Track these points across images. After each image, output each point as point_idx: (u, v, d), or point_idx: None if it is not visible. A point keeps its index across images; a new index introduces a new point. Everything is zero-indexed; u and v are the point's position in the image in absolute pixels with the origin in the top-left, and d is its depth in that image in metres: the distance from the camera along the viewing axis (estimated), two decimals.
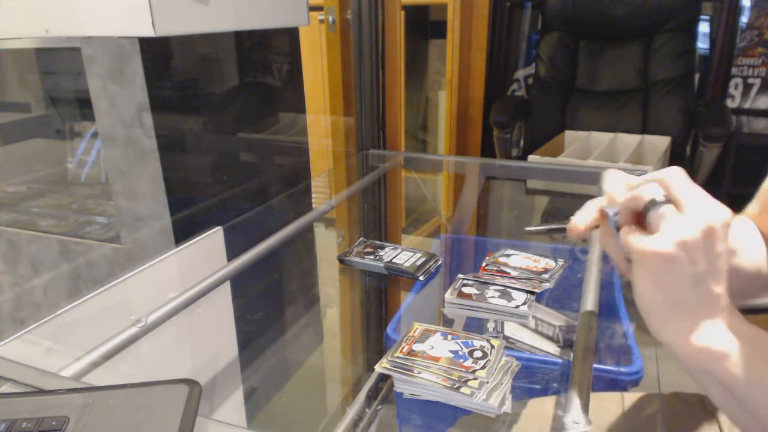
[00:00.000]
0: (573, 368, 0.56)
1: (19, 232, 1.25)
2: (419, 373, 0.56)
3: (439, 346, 0.60)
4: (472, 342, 0.61)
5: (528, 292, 0.73)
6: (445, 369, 0.56)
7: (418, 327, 0.64)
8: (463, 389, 0.54)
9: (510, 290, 0.74)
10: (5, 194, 1.49)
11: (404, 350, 0.59)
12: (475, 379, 0.55)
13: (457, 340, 0.62)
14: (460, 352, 0.59)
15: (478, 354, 0.59)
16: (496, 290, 0.74)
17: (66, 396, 0.44)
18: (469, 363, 0.57)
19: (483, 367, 0.57)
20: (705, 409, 0.70)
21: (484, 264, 0.82)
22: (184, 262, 0.83)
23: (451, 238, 1.18)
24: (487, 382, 0.55)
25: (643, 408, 0.66)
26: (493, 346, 0.61)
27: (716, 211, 0.41)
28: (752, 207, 0.68)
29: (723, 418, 0.68)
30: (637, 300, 0.44)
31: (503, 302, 0.71)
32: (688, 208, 0.41)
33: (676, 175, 0.43)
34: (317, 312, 1.28)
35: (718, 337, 0.41)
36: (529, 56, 2.49)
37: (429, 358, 0.58)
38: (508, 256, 0.85)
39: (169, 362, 0.78)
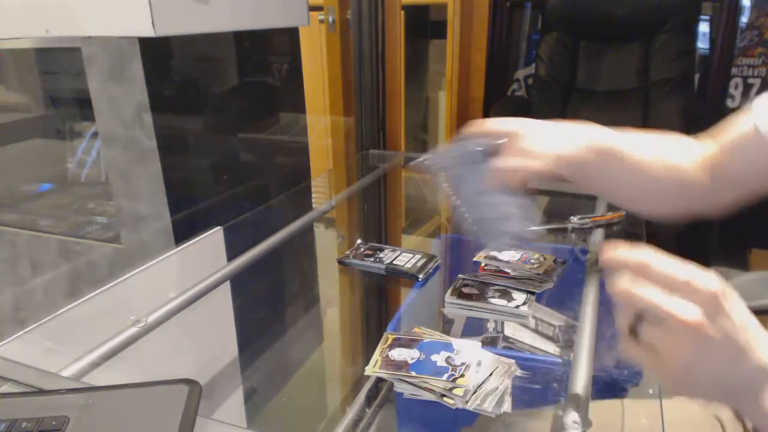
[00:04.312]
0: (573, 368, 0.56)
1: (19, 232, 1.25)
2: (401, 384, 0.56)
3: (415, 355, 0.60)
4: (449, 347, 0.61)
5: (528, 292, 0.73)
6: (422, 381, 0.56)
7: (390, 336, 0.64)
8: (447, 399, 0.54)
9: (510, 290, 0.74)
10: (5, 194, 1.49)
11: (382, 364, 0.59)
12: (459, 387, 0.55)
13: (433, 347, 0.61)
14: (439, 362, 0.59)
15: (457, 361, 0.59)
16: (496, 290, 0.74)
17: (66, 396, 0.44)
18: (448, 372, 0.57)
19: (462, 375, 0.56)
20: (709, 414, 0.69)
21: (482, 264, 0.82)
22: (184, 262, 0.83)
23: (451, 238, 1.18)
24: (474, 391, 0.55)
25: (643, 413, 0.65)
26: (472, 349, 0.61)
27: (711, 278, 0.37)
28: (709, 144, 0.64)
29: (727, 426, 0.67)
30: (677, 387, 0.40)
31: (503, 302, 0.71)
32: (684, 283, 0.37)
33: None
34: (317, 312, 1.28)
35: None
36: (529, 56, 2.49)
37: (406, 371, 0.58)
38: (499, 250, 0.85)
39: (169, 362, 0.78)
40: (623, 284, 0.39)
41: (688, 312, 0.36)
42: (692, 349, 0.37)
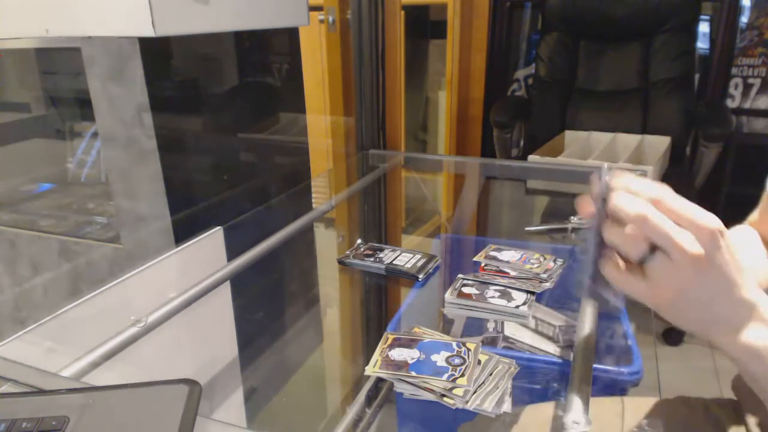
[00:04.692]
0: (573, 368, 0.56)
1: (19, 232, 1.25)
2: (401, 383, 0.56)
3: (415, 355, 0.60)
4: (449, 347, 0.61)
5: (528, 292, 0.73)
6: (422, 381, 0.56)
7: (390, 336, 0.64)
8: (447, 399, 0.54)
9: (510, 290, 0.74)
10: (5, 194, 1.49)
11: (382, 364, 0.59)
12: (459, 387, 0.55)
13: (433, 347, 0.61)
14: (439, 362, 0.59)
15: (456, 360, 0.59)
16: (496, 290, 0.74)
17: (66, 396, 0.44)
18: (448, 372, 0.57)
19: (462, 375, 0.56)
20: (710, 415, 0.69)
21: (482, 264, 0.82)
22: (184, 262, 0.83)
23: (451, 238, 1.18)
24: (474, 391, 0.55)
25: (643, 412, 0.65)
26: (469, 350, 0.61)
27: (712, 218, 0.41)
28: (753, 215, 0.69)
29: (728, 426, 0.67)
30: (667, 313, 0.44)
31: (503, 302, 0.71)
32: (690, 222, 0.41)
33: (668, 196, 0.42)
34: (317, 312, 1.28)
35: (760, 334, 0.42)
36: (529, 56, 2.49)
37: (406, 371, 0.58)
38: (499, 251, 0.85)
39: (169, 362, 0.78)
40: (641, 208, 0.41)
41: (693, 245, 0.40)
42: (688, 277, 0.41)
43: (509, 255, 0.83)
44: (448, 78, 2.24)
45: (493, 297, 0.72)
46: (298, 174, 1.37)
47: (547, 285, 0.75)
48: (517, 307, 0.70)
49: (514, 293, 0.73)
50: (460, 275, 0.78)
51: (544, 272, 0.78)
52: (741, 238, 0.68)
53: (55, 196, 1.46)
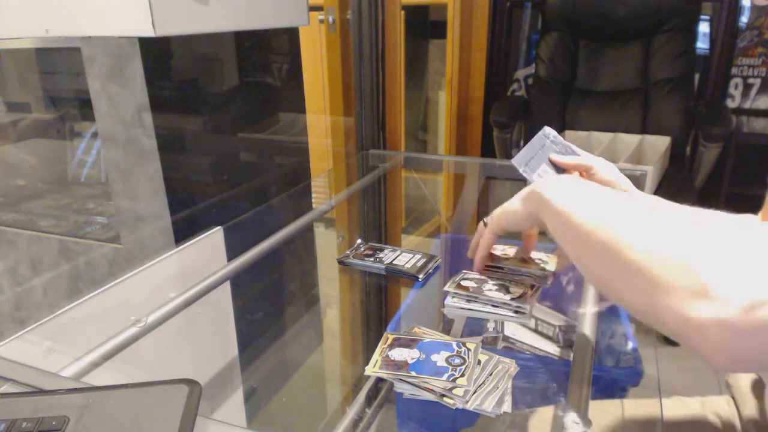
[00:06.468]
0: (573, 368, 0.56)
1: (19, 232, 1.25)
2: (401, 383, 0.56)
3: (415, 355, 0.60)
4: (449, 347, 0.61)
5: (527, 285, 0.73)
6: (422, 381, 0.56)
7: (390, 336, 0.64)
8: (447, 399, 0.54)
9: (508, 284, 0.73)
10: (5, 194, 1.49)
11: (382, 364, 0.59)
12: (459, 387, 0.55)
13: (433, 347, 0.61)
14: (439, 362, 0.59)
15: (456, 360, 0.59)
16: (494, 284, 0.74)
17: (66, 396, 0.44)
18: (448, 372, 0.57)
19: (462, 375, 0.56)
20: (707, 414, 0.69)
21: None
22: (184, 262, 0.83)
23: (451, 238, 1.18)
24: (474, 391, 0.55)
25: (643, 412, 0.66)
26: (469, 350, 0.61)
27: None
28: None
29: (727, 425, 0.67)
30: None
31: (500, 294, 0.70)
32: None
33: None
34: (317, 312, 1.28)
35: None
36: (529, 56, 2.49)
37: (406, 371, 0.58)
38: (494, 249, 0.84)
39: (169, 362, 0.78)
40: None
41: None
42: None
43: (510, 254, 0.83)
44: (448, 78, 2.24)
45: (490, 290, 0.72)
46: (298, 174, 1.37)
47: (547, 284, 0.75)
48: (513, 299, 0.70)
49: (512, 287, 0.73)
50: (464, 270, 0.78)
51: (544, 271, 0.78)
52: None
53: (55, 196, 1.46)
